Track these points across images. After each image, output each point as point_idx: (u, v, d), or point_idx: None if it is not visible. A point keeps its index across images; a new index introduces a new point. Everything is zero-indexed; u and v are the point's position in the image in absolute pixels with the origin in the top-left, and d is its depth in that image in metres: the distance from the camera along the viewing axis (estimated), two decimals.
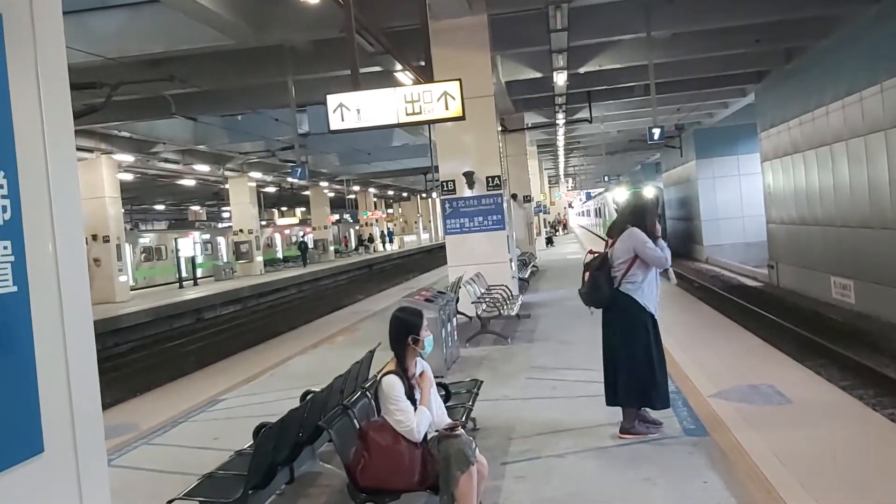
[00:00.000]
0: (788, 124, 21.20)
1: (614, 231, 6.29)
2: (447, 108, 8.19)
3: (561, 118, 25.62)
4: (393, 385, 4.34)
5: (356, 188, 52.83)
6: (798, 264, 21.32)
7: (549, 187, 62.09)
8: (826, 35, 17.51)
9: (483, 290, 12.78)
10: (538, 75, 19.46)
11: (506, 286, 13.46)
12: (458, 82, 8.22)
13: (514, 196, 25.17)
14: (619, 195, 24.25)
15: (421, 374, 4.56)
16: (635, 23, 15.68)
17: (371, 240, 58.53)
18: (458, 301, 11.35)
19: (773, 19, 16.80)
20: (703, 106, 30.13)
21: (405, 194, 69.05)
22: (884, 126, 14.82)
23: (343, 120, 8.10)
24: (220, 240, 43.94)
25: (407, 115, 8.28)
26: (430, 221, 74.80)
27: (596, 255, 6.33)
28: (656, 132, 17.37)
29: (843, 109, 17.03)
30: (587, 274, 6.28)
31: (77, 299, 2.45)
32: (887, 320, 14.92)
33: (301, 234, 52.94)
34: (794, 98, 20.59)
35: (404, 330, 4.52)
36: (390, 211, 73.08)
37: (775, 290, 22.69)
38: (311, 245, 46.95)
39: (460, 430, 4.45)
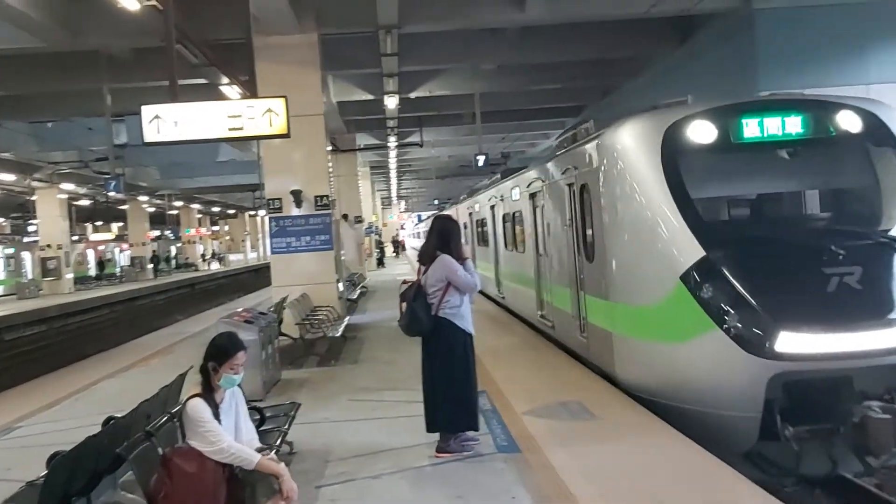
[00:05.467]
0: None
1: (425, 258, 6.29)
2: (271, 125, 8.07)
3: (393, 141, 25.93)
4: (197, 408, 4.19)
5: (178, 203, 50.52)
6: None
7: (382, 209, 62.43)
8: (637, 74, 18.89)
9: (308, 311, 12.61)
10: (370, 97, 19.61)
11: (332, 307, 13.35)
12: (283, 99, 8.12)
13: (344, 216, 25.14)
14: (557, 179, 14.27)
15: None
16: (459, 53, 16.21)
17: (214, 256, 58.99)
18: (281, 322, 11.14)
19: (591, 57, 17.95)
20: (526, 136, 31.60)
21: (232, 211, 66.90)
22: None
23: (159, 132, 7.78)
24: (26, 255, 40.58)
25: (229, 130, 8.09)
26: (258, 240, 72.89)
27: (409, 284, 6.32)
28: (481, 159, 17.96)
29: None
30: (404, 305, 6.26)
31: None
32: None
33: (117, 250, 50.13)
34: None
35: (212, 355, 4.37)
36: (216, 228, 70.55)
37: None
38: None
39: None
